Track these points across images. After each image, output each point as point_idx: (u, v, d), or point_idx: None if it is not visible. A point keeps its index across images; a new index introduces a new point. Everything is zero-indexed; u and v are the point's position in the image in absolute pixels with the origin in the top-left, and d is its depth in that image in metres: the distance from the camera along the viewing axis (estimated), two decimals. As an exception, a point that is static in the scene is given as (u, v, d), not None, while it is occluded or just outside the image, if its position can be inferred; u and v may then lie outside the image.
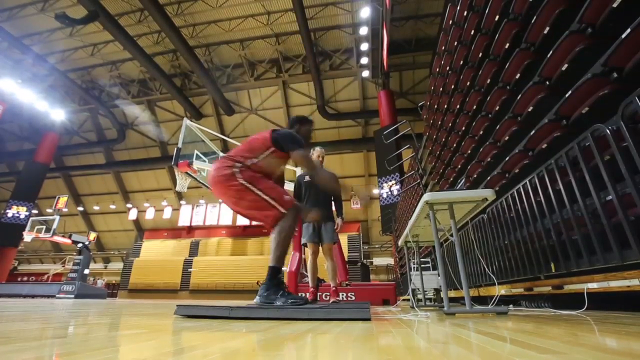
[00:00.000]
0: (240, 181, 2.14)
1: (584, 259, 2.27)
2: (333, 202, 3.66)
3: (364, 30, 14.08)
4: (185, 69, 19.42)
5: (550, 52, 2.65)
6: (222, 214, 21.89)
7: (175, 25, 14.53)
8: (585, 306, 2.24)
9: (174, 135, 21.69)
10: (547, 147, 2.83)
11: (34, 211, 20.06)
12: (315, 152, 3.69)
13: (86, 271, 13.94)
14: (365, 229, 22.70)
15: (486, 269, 3.60)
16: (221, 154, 8.91)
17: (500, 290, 3.36)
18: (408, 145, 8.66)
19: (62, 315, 2.45)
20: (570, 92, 2.41)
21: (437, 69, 6.38)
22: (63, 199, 18.72)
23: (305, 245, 3.54)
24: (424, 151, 8.76)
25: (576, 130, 2.39)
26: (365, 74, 16.28)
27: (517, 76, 3.36)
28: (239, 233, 22.13)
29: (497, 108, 3.82)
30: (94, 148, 23.24)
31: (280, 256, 2.15)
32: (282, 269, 2.25)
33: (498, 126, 3.62)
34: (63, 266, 18.54)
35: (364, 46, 14.67)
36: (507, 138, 3.56)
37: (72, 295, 12.28)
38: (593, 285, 2.31)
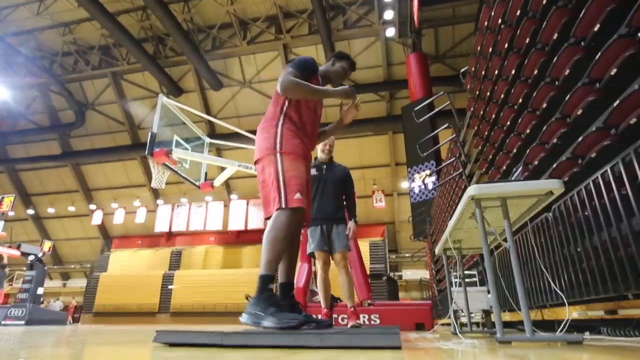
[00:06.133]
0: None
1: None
2: (345, 200, 3.68)
3: (388, -25, 13.90)
4: (158, 31, 19.54)
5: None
6: (210, 215, 22.09)
7: (145, -26, 14.60)
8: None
9: (147, 117, 21.93)
10: (637, 123, 2.74)
11: (-28, 216, 20.55)
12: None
13: (40, 290, 14.25)
14: (392, 233, 22.68)
15: (552, 284, 3.54)
16: (207, 139, 8.96)
17: (571, 313, 3.31)
18: (447, 125, 8.54)
19: (9, 347, 2.52)
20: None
21: (486, 23, 6.25)
22: (8, 200, 19.08)
23: (312, 255, 3.58)
24: (467, 131, 8.64)
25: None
26: (391, 32, 16.07)
27: (596, 28, 3.25)
28: (231, 240, 22.37)
29: (566, 72, 3.72)
30: (46, 134, 23.67)
31: (270, 261, 2.19)
32: (282, 281, 2.30)
33: (568, 96, 3.53)
34: (10, 285, 19.02)
35: (389, -4, 14.48)
36: (580, 112, 3.47)
37: (23, 322, 12.58)
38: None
